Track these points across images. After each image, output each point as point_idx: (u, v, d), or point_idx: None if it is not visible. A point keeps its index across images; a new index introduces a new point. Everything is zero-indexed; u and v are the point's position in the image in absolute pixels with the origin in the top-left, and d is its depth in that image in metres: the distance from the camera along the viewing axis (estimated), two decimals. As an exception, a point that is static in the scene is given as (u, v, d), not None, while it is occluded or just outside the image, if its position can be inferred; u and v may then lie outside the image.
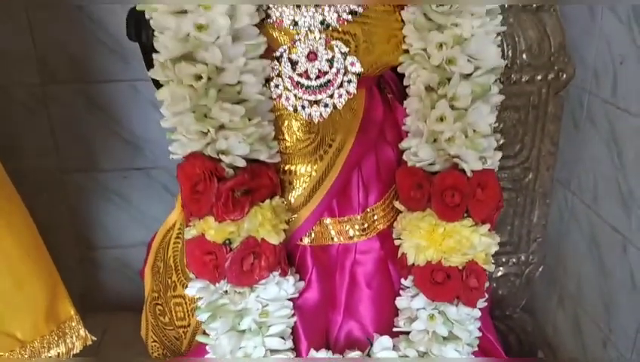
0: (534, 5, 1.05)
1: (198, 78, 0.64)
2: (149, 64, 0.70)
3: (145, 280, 0.98)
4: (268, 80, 0.73)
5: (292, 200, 0.78)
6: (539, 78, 1.08)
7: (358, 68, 0.75)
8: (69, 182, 1.78)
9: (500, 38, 0.75)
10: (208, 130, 0.66)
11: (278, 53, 0.74)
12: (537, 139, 1.15)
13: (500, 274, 1.26)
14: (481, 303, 0.79)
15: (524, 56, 1.07)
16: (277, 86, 0.74)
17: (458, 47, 0.73)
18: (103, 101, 1.74)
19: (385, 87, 0.84)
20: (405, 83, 0.79)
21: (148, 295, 0.97)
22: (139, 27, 0.73)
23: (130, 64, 1.69)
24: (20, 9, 1.59)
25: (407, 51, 0.78)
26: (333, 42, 0.74)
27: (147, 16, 0.65)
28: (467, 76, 0.74)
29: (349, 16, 0.74)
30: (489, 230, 0.77)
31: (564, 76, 1.10)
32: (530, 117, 1.11)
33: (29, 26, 1.62)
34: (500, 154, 0.78)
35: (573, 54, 1.40)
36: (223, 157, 0.67)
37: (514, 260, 1.29)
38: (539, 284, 1.50)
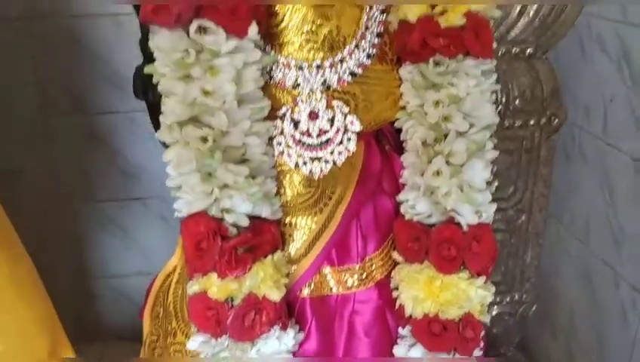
0: (527, 53, 1.09)
1: (204, 140, 0.66)
2: (156, 122, 0.72)
3: (144, 322, 0.99)
4: (270, 138, 0.75)
5: (292, 252, 0.80)
6: (532, 122, 1.11)
7: (357, 127, 0.77)
8: (67, 211, 1.79)
9: (494, 95, 0.77)
10: (213, 190, 0.68)
11: (280, 113, 0.76)
12: (530, 181, 1.18)
13: (494, 313, 1.28)
14: (477, 352, 0.81)
15: (517, 101, 1.10)
16: (279, 143, 0.76)
17: (454, 106, 0.75)
18: (101, 132, 1.76)
19: (382, 139, 0.86)
20: (402, 138, 0.81)
21: (146, 337, 0.99)
22: (146, 86, 0.75)
23: (127, 96, 1.71)
24: (23, 44, 1.62)
25: (404, 108, 0.80)
26: (334, 102, 0.76)
27: (154, 81, 0.67)
28: (463, 133, 0.76)
29: (349, 77, 0.77)
30: (484, 282, 0.79)
31: (557, 121, 1.13)
32: (523, 160, 1.14)
33: (32, 59, 1.64)
34: (494, 207, 0.80)
35: (564, 91, 1.44)
36: (226, 215, 0.69)
37: (507, 299, 1.31)
38: (532, 320, 1.53)
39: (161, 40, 0.66)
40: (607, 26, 1.44)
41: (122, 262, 1.86)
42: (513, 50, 1.09)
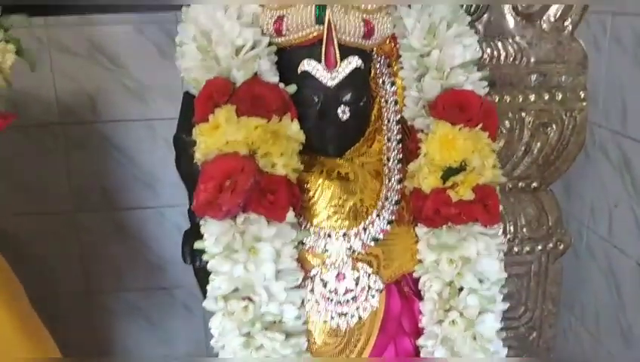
0: (532, 186, 1.18)
1: (245, 310, 0.75)
2: (201, 283, 0.81)
3: None
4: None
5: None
6: (539, 248, 1.19)
7: (380, 285, 0.86)
8: (94, 300, 1.87)
9: (502, 253, 0.86)
10: (251, 351, 0.77)
11: (311, 274, 0.85)
12: (539, 301, 1.25)
13: None
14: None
15: (524, 230, 1.18)
16: (309, 300, 0.85)
17: (467, 265, 0.84)
18: (130, 226, 1.86)
19: (401, 280, 0.95)
20: (420, 287, 0.90)
21: None
22: (194, 254, 0.85)
23: (157, 192, 1.83)
24: (59, 146, 1.74)
25: (420, 261, 0.89)
26: (359, 264, 0.85)
27: (204, 260, 0.77)
28: (475, 290, 0.84)
29: (372, 243, 0.86)
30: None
31: (562, 246, 1.21)
32: (532, 283, 1.22)
33: (67, 159, 1.76)
34: (505, 351, 0.88)
35: (570, 190, 1.51)
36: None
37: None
38: None
39: (212, 227, 0.76)
40: (608, 136, 1.54)
41: (147, 351, 1.92)
42: (519, 185, 1.18)
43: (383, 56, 0.92)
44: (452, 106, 0.84)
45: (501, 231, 0.87)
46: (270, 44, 0.84)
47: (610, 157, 1.54)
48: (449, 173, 0.84)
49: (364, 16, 0.81)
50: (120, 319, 1.90)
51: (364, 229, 0.86)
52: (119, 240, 1.85)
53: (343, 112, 0.83)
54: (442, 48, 0.86)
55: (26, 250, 1.78)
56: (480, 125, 0.84)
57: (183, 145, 0.88)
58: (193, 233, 0.84)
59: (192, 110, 0.82)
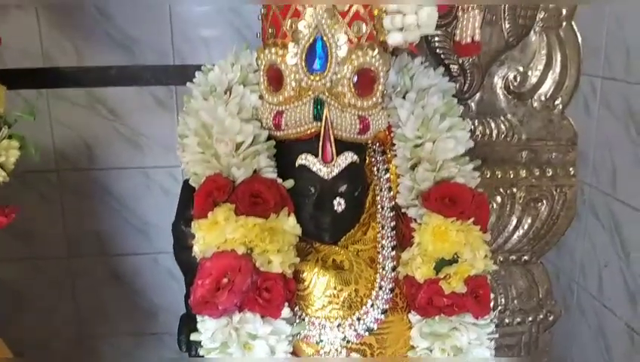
0: (523, 259, 1.20)
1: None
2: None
3: None
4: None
5: None
6: (529, 319, 1.21)
7: (373, 372, 0.87)
8: (88, 346, 1.87)
9: (493, 341, 0.87)
10: None
11: (304, 363, 0.86)
12: (529, 370, 1.26)
13: None
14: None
15: (515, 302, 1.21)
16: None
17: (459, 355, 0.85)
18: (124, 272, 1.87)
19: None
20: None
21: None
22: (189, 343, 0.86)
23: (150, 238, 1.84)
24: (54, 192, 1.74)
25: (413, 347, 0.91)
26: (352, 354, 0.87)
27: (201, 354, 0.78)
28: (467, 379, 0.86)
29: (366, 333, 0.87)
30: None
31: (552, 317, 1.23)
32: (523, 352, 1.24)
33: (62, 205, 1.77)
34: None
35: (561, 246, 1.53)
36: None
37: None
38: None
39: (209, 323, 0.77)
40: (599, 196, 1.57)
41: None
42: (510, 258, 1.20)
43: (377, 144, 0.95)
44: (444, 199, 0.86)
45: (493, 317, 0.88)
46: (269, 137, 0.86)
47: (601, 217, 1.57)
48: (441, 264, 0.86)
49: (360, 113, 0.83)
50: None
51: (359, 319, 0.87)
52: (112, 285, 1.85)
53: (339, 204, 0.85)
54: (435, 141, 0.88)
55: (19, 294, 1.79)
56: (472, 219, 0.86)
57: (182, 236, 0.90)
58: (189, 319, 0.86)
59: (191, 200, 0.83)
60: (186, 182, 0.88)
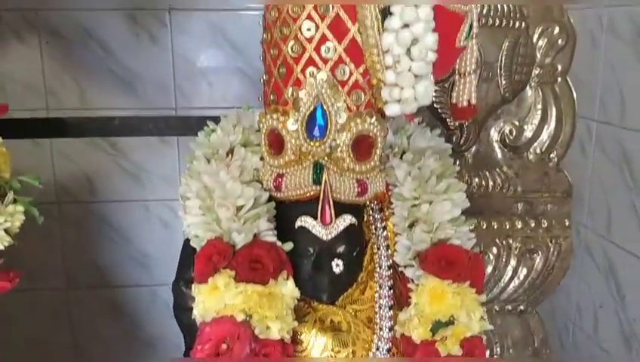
0: (518, 309, 1.22)
1: None
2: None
3: None
4: None
5: None
6: (525, 367, 1.23)
7: None
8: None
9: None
10: None
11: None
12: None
13: None
14: None
15: (511, 351, 1.22)
16: None
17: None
18: (122, 304, 1.88)
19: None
20: None
21: None
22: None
23: (150, 270, 1.85)
24: (54, 224, 1.76)
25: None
26: (349, 413, 0.88)
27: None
28: None
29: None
30: None
31: (548, 363, 1.25)
32: (519, 400, 1.25)
33: (62, 238, 1.78)
34: None
35: (558, 287, 1.55)
36: None
37: None
38: None
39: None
40: (594, 238, 1.59)
41: None
42: (506, 308, 1.22)
43: (375, 202, 0.96)
44: (441, 262, 0.87)
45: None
46: (270, 197, 0.87)
47: (596, 259, 1.58)
48: (438, 326, 0.87)
49: (358, 176, 0.85)
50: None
51: (357, 387, 0.89)
52: (111, 317, 1.86)
53: (337, 265, 0.87)
54: (432, 202, 0.90)
55: (17, 325, 1.79)
56: (468, 282, 0.87)
57: (181, 297, 0.91)
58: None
59: (191, 261, 0.85)
60: (186, 242, 0.89)
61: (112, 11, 1.62)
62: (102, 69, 1.66)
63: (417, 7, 0.74)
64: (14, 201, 0.81)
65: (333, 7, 0.79)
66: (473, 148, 1.15)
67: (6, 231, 0.80)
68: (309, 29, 0.79)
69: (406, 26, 0.75)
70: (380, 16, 0.78)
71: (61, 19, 1.62)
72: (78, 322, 1.85)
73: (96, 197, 1.78)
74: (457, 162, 1.11)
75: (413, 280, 0.90)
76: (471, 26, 0.83)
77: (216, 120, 0.98)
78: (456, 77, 0.91)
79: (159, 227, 1.83)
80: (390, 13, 0.76)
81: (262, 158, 0.89)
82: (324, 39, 0.80)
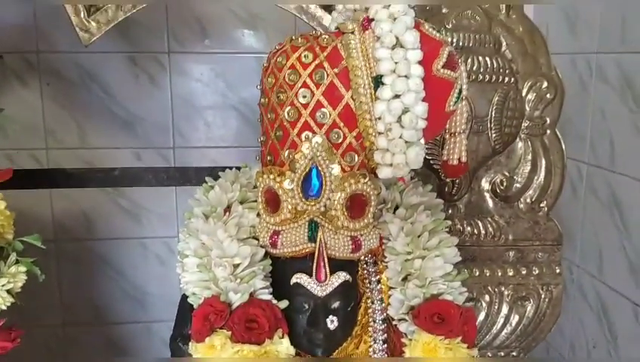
0: (511, 355, 1.23)
1: None
2: None
3: None
4: None
5: None
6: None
7: None
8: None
9: None
10: None
11: None
12: None
13: None
14: None
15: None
16: None
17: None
18: (118, 340, 1.88)
19: None
20: None
21: None
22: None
23: (146, 307, 1.86)
24: (51, 262, 1.77)
25: None
26: None
27: None
28: None
29: None
30: None
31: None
32: None
33: (58, 275, 1.79)
34: None
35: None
36: None
37: None
38: None
39: None
40: (586, 278, 1.61)
41: None
42: (499, 354, 1.23)
43: (369, 255, 0.98)
44: (433, 317, 0.89)
45: None
46: (266, 253, 0.90)
47: (589, 300, 1.60)
48: (430, 380, 0.89)
49: (352, 234, 0.87)
50: None
51: None
52: (107, 353, 1.86)
53: (332, 322, 0.89)
54: (424, 258, 0.92)
55: (12, 362, 1.79)
56: (460, 337, 0.89)
57: (179, 353, 0.92)
58: None
59: (188, 317, 0.87)
60: (184, 297, 0.91)
61: (113, 54, 1.65)
62: (102, 110, 1.68)
63: (408, 78, 0.77)
64: (17, 262, 0.82)
65: (327, 75, 0.82)
66: (465, 198, 1.17)
67: (8, 291, 0.81)
68: (304, 96, 0.82)
69: (397, 96, 0.78)
70: (372, 84, 0.81)
71: (62, 60, 1.65)
72: (74, 359, 1.85)
73: (94, 234, 1.80)
74: (450, 211, 1.14)
75: (406, 335, 0.92)
76: (460, 91, 0.86)
77: (213, 173, 1.01)
78: (447, 136, 0.94)
79: (156, 264, 1.84)
80: (382, 83, 0.79)
81: (258, 215, 0.91)
82: (319, 105, 0.82)
